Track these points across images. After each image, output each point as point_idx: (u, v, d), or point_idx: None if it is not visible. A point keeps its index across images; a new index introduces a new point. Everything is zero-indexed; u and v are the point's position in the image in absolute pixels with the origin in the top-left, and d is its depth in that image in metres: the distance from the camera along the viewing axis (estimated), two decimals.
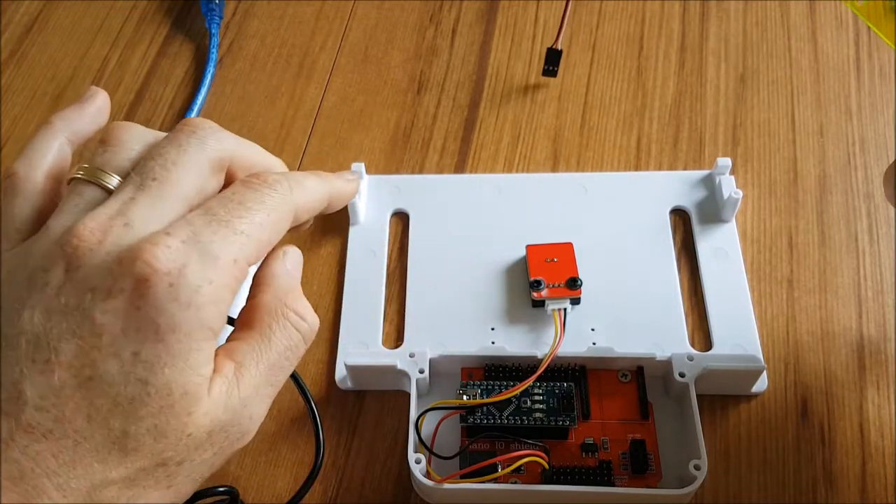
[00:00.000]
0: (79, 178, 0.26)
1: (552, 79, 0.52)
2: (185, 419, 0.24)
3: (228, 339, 0.27)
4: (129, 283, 0.23)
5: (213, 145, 0.27)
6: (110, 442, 0.23)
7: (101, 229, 0.24)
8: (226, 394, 0.25)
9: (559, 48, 0.50)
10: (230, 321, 0.30)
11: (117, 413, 0.23)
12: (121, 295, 0.23)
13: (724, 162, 0.46)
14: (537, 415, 0.37)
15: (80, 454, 0.23)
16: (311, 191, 0.29)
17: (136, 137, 0.27)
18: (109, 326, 0.23)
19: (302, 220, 0.29)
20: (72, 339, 0.23)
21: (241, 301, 0.28)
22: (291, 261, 0.29)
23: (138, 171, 0.26)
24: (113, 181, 0.26)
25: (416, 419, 0.37)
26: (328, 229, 0.47)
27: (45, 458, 0.22)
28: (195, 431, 0.25)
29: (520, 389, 0.37)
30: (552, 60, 0.51)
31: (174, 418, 0.24)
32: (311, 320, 0.28)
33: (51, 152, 0.28)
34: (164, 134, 0.28)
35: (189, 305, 0.23)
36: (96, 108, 0.30)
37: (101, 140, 0.27)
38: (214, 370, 0.25)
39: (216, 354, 0.26)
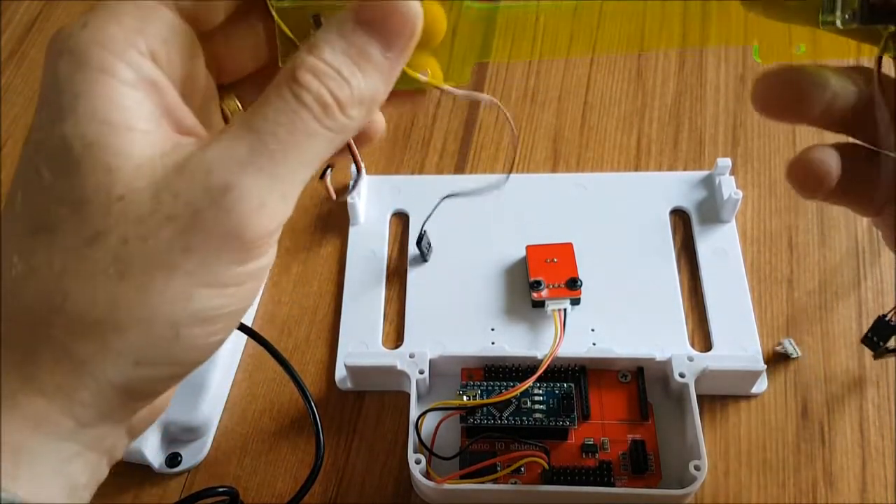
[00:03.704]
0: None
1: (552, 79, 0.52)
2: (106, 178, 0.20)
3: None
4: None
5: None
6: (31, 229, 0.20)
7: None
8: (172, 146, 0.20)
9: (893, 322, 0.36)
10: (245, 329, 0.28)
11: (30, 191, 0.20)
12: None
13: (724, 162, 0.46)
14: (537, 415, 0.37)
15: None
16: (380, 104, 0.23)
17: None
18: None
19: None
20: None
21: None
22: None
23: None
24: None
25: (416, 420, 0.37)
26: (328, 229, 0.47)
27: None
28: (127, 193, 0.20)
29: (520, 390, 0.37)
30: (882, 334, 0.36)
31: (86, 178, 0.20)
32: (316, 89, 0.21)
33: None
34: None
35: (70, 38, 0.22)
36: None
37: None
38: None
39: None
